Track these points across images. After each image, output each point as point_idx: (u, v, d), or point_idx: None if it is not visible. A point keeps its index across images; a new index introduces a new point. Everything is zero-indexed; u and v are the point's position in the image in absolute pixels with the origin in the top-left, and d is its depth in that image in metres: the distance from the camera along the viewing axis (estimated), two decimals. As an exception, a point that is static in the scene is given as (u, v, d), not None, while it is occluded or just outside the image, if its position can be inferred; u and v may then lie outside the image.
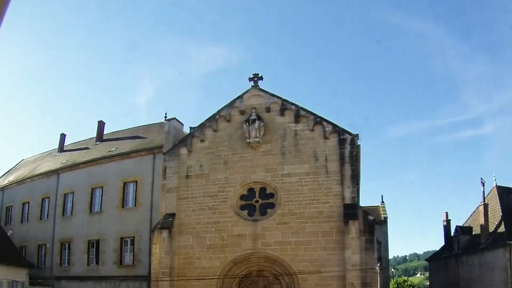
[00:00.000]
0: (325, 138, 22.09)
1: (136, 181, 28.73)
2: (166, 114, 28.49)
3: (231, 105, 23.80)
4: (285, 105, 23.03)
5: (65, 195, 32.13)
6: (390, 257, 58.23)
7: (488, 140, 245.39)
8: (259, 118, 22.74)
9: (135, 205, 28.59)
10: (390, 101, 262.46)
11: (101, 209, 29.98)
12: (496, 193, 31.14)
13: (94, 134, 37.23)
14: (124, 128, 36.84)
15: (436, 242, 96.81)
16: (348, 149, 21.65)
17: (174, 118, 26.32)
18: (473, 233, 32.90)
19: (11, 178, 39.44)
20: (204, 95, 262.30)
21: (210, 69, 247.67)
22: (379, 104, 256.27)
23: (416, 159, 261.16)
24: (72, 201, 31.63)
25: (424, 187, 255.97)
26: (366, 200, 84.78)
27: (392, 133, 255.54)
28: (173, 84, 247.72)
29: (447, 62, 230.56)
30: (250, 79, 23.84)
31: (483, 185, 30.64)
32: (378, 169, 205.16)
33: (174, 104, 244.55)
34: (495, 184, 32.15)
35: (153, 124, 34.29)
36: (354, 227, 20.12)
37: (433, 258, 42.10)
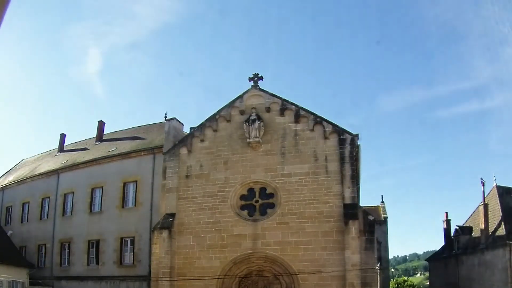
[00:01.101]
0: (325, 138, 22.10)
1: (136, 181, 28.74)
2: (166, 114, 28.55)
3: (231, 105, 23.82)
4: (285, 105, 23.05)
5: (65, 195, 32.15)
6: (390, 257, 58.30)
7: (494, 114, 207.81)
8: (259, 118, 22.75)
9: (135, 205, 28.60)
10: (381, 65, 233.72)
11: (101, 209, 29.99)
12: (496, 193, 31.16)
13: (94, 134, 37.26)
14: (124, 128, 36.91)
15: (436, 242, 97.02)
16: (348, 149, 21.67)
17: (174, 118, 26.35)
18: (473, 233, 32.91)
19: (11, 178, 39.45)
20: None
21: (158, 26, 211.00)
22: (369, 71, 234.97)
23: (415, 145, 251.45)
24: (72, 201, 31.64)
25: (424, 186, 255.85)
26: (366, 200, 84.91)
27: (386, 107, 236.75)
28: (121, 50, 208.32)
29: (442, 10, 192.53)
30: (250, 79, 23.86)
31: (483, 185, 30.72)
32: (377, 167, 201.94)
33: (125, 74, 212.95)
34: (495, 184, 32.19)
35: (153, 124, 34.32)
36: (354, 227, 20.13)
37: (433, 258, 42.13)
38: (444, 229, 38.49)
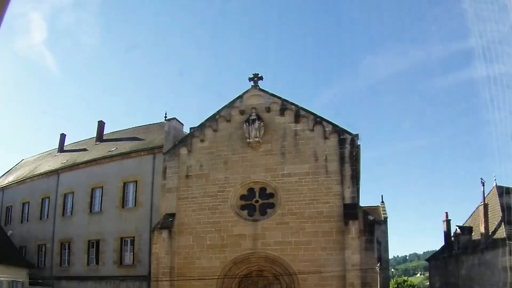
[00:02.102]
0: (325, 138, 22.13)
1: (136, 181, 28.73)
2: (166, 114, 28.53)
3: (231, 105, 23.84)
4: (285, 105, 23.06)
5: (65, 195, 32.14)
6: (390, 257, 58.22)
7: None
8: (259, 118, 22.77)
9: (135, 205, 28.60)
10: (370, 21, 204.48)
11: (101, 209, 29.99)
12: (496, 193, 31.15)
13: (94, 134, 37.26)
14: (124, 128, 36.92)
15: (436, 242, 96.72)
16: (348, 149, 21.69)
17: (174, 118, 26.37)
18: (473, 233, 32.92)
19: (11, 178, 39.45)
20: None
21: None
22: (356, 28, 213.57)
23: (411, 127, 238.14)
24: (72, 201, 31.64)
25: (424, 187, 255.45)
26: (366, 200, 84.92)
27: (375, 74, 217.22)
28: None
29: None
30: (250, 79, 23.88)
31: (483, 185, 30.73)
32: (377, 166, 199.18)
33: (73, 41, 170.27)
34: (495, 184, 32.16)
35: (153, 124, 34.31)
36: (354, 227, 20.14)
37: (433, 258, 42.09)
38: (444, 229, 38.47)
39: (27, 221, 34.50)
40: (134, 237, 27.83)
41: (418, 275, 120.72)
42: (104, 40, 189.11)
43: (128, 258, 28.17)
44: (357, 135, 22.01)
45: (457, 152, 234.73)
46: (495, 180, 32.46)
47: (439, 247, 40.46)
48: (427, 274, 70.70)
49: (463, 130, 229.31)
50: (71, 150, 37.87)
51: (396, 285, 57.57)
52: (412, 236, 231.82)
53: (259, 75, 23.90)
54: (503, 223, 28.39)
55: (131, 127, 36.15)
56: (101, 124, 37.40)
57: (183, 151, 23.99)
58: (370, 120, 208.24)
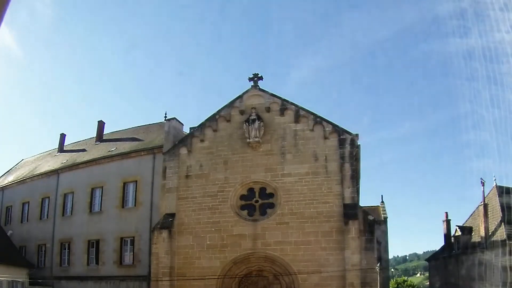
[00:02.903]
0: (325, 138, 22.14)
1: (136, 181, 28.73)
2: (166, 114, 28.52)
3: (231, 105, 23.85)
4: (285, 105, 23.07)
5: (65, 195, 32.14)
6: (390, 257, 58.27)
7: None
8: (259, 118, 22.78)
9: (135, 205, 28.60)
10: None
11: (101, 209, 29.99)
12: (496, 193, 31.18)
13: (94, 134, 37.27)
14: (124, 128, 36.92)
15: (436, 242, 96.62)
16: (348, 149, 21.70)
17: (174, 118, 26.38)
18: (473, 233, 32.93)
19: (11, 178, 39.45)
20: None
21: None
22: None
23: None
24: (72, 201, 31.63)
25: (424, 187, 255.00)
26: (366, 200, 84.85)
27: (363, 37, 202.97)
28: None
29: None
30: (250, 79, 23.89)
31: (483, 185, 30.74)
32: (378, 166, 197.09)
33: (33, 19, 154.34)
34: (495, 184, 32.20)
35: (153, 124, 34.31)
36: (354, 227, 20.15)
37: (433, 258, 42.12)
38: (444, 229, 38.49)
39: (27, 221, 34.50)
40: (134, 237, 27.83)
41: (418, 275, 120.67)
42: (104, 39, 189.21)
43: (128, 258, 28.17)
44: (357, 135, 22.05)
45: (457, 152, 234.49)
46: (495, 180, 32.52)
47: (439, 247, 40.51)
48: (427, 274, 70.68)
49: (463, 130, 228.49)
50: (71, 150, 37.87)
51: (396, 285, 57.58)
52: (412, 236, 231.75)
53: (259, 75, 23.93)
54: (503, 223, 28.42)
55: (131, 127, 36.18)
56: (101, 124, 37.40)
57: (183, 151, 24.00)
58: (366, 116, 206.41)
